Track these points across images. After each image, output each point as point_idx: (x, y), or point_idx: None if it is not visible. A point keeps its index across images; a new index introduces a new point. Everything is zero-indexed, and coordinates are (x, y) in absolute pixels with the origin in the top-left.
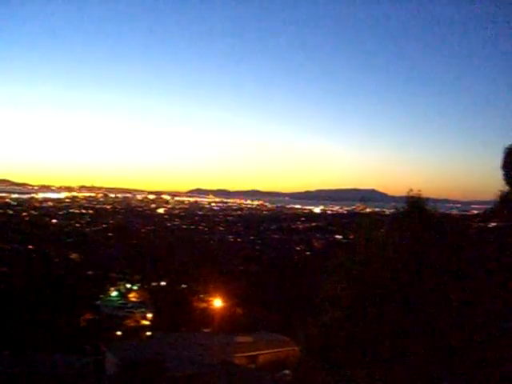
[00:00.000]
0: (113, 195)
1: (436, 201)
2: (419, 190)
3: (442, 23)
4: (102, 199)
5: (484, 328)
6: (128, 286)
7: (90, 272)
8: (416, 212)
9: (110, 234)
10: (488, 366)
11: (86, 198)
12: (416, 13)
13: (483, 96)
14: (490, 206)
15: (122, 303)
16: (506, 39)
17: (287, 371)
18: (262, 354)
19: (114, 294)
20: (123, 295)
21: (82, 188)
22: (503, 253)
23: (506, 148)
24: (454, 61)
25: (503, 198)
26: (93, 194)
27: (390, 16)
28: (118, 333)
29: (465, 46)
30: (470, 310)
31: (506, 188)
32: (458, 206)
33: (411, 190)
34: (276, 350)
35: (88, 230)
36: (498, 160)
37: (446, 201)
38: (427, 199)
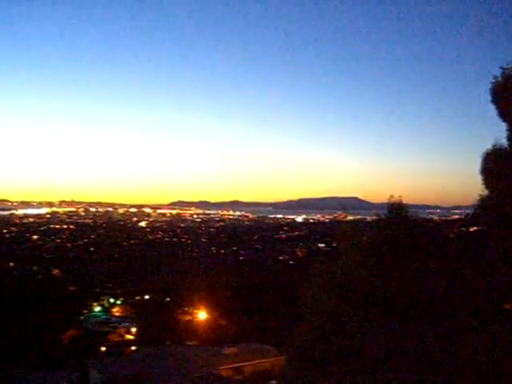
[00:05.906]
0: (94, 209)
1: (417, 207)
2: (400, 197)
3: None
4: (83, 214)
5: (466, 334)
6: (111, 300)
7: (72, 288)
8: (397, 218)
9: (91, 249)
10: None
11: (66, 213)
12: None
13: (462, 102)
14: (470, 211)
15: (105, 318)
16: (482, 45)
17: (274, 382)
18: (248, 365)
19: (98, 309)
20: (107, 310)
21: (62, 203)
22: (484, 256)
23: (484, 153)
24: (434, 68)
25: (483, 202)
26: (73, 209)
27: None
28: (103, 348)
29: (446, 52)
30: (454, 316)
31: (486, 192)
32: (438, 211)
33: (392, 197)
34: (262, 361)
35: (69, 245)
36: (477, 165)
37: (427, 206)
38: (408, 205)
